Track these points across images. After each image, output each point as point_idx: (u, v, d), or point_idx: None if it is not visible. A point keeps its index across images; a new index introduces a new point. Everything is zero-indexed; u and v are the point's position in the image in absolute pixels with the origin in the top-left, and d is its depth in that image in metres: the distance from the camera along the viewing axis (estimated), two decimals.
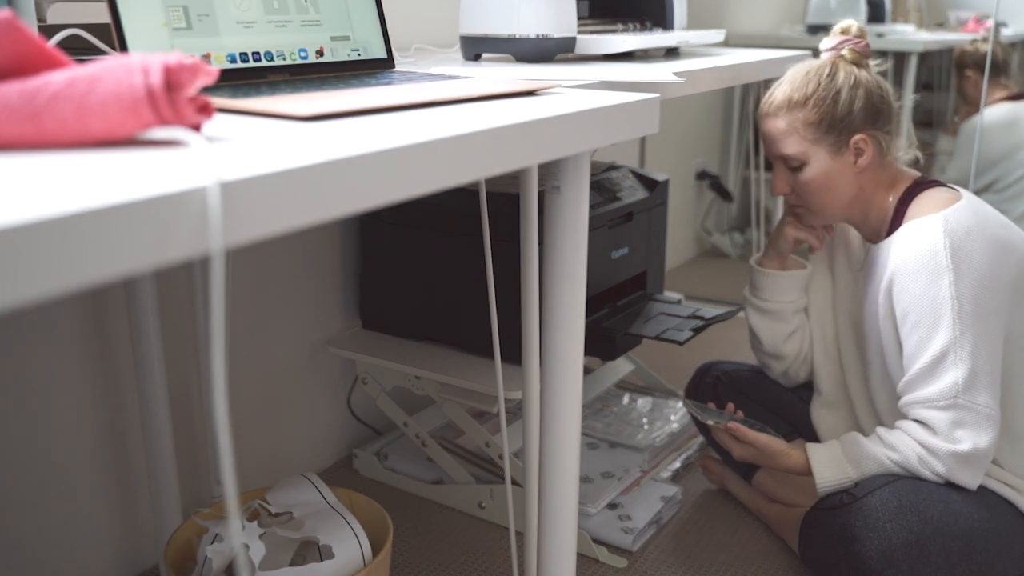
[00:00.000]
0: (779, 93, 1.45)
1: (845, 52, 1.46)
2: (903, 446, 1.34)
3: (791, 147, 1.43)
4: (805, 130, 1.41)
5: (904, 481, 1.33)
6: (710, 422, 1.52)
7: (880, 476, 1.36)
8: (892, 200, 1.44)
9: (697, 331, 1.62)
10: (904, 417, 1.38)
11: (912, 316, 1.33)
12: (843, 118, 1.40)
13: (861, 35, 1.48)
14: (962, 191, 1.41)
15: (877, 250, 1.45)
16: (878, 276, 1.42)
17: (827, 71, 1.43)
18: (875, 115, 1.42)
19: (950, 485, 1.32)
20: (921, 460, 1.32)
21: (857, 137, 1.41)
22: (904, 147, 1.49)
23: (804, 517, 1.45)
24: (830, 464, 1.40)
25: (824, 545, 1.40)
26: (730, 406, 1.54)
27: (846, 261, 1.57)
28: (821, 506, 1.41)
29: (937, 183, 1.44)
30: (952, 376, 1.29)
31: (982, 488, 1.33)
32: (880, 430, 1.39)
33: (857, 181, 1.44)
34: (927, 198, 1.40)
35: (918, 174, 1.48)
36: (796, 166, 1.44)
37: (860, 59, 1.46)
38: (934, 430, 1.31)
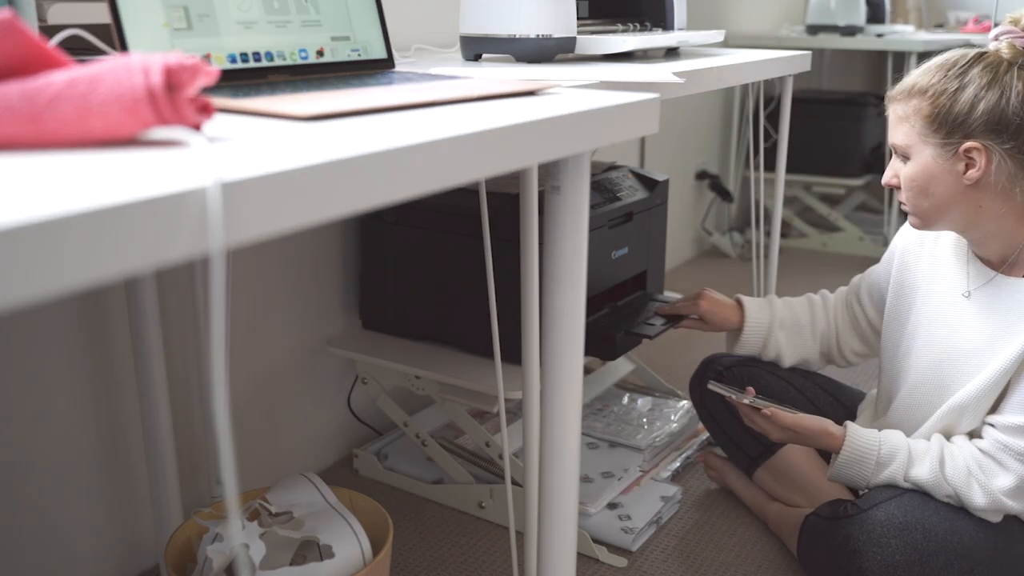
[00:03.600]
0: (908, 78, 1.32)
1: (1003, 45, 1.27)
2: (958, 462, 1.29)
3: (899, 136, 1.32)
4: (916, 121, 1.28)
5: (911, 496, 1.31)
6: (746, 401, 1.45)
7: (886, 489, 1.34)
8: None
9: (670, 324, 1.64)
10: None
11: None
12: (958, 118, 1.25)
13: None
14: None
15: (1005, 283, 1.31)
16: (1004, 311, 1.30)
17: (964, 62, 1.27)
18: (1002, 125, 1.23)
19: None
20: (971, 474, 1.28)
21: (969, 144, 1.24)
22: None
23: (804, 522, 1.44)
24: (858, 455, 1.35)
25: (825, 554, 1.39)
26: (750, 390, 1.48)
27: (943, 276, 1.43)
28: (823, 514, 1.40)
29: None
30: None
31: None
32: (937, 442, 1.33)
33: (968, 196, 1.28)
34: None
35: None
36: (903, 159, 1.33)
37: (1021, 56, 1.26)
38: (1002, 468, 1.27)
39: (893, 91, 1.35)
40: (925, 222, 1.35)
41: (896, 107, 1.33)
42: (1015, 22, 1.29)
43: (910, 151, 1.31)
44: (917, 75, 1.31)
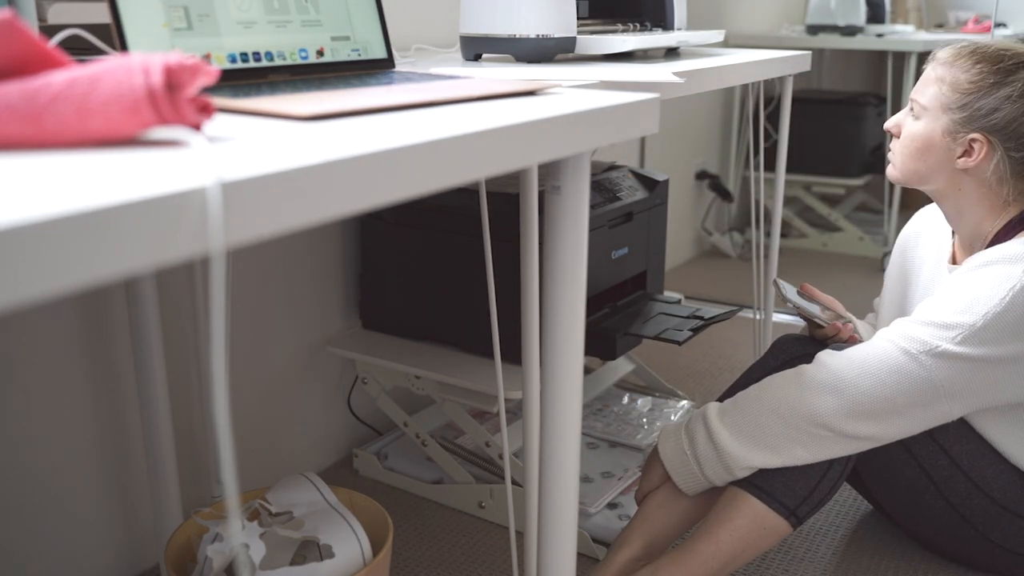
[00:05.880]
0: (962, 47, 1.34)
1: None
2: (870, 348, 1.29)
3: (924, 96, 1.34)
4: (944, 90, 1.31)
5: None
6: (816, 316, 1.48)
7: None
8: (995, 225, 1.35)
9: (696, 331, 1.62)
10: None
11: (954, 289, 1.27)
12: (981, 110, 1.29)
13: None
14: None
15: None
16: None
17: (1015, 62, 1.29)
18: (1016, 134, 1.29)
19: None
20: (892, 342, 1.28)
21: (975, 135, 1.29)
22: None
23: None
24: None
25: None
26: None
27: (927, 266, 1.49)
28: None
29: None
30: (966, 320, 1.23)
31: None
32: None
33: (954, 176, 1.34)
34: None
35: None
36: (915, 116, 1.35)
37: None
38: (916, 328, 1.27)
39: (945, 50, 1.35)
40: (903, 178, 1.39)
41: (938, 67, 1.35)
42: None
43: (926, 114, 1.34)
44: (973, 48, 1.33)
